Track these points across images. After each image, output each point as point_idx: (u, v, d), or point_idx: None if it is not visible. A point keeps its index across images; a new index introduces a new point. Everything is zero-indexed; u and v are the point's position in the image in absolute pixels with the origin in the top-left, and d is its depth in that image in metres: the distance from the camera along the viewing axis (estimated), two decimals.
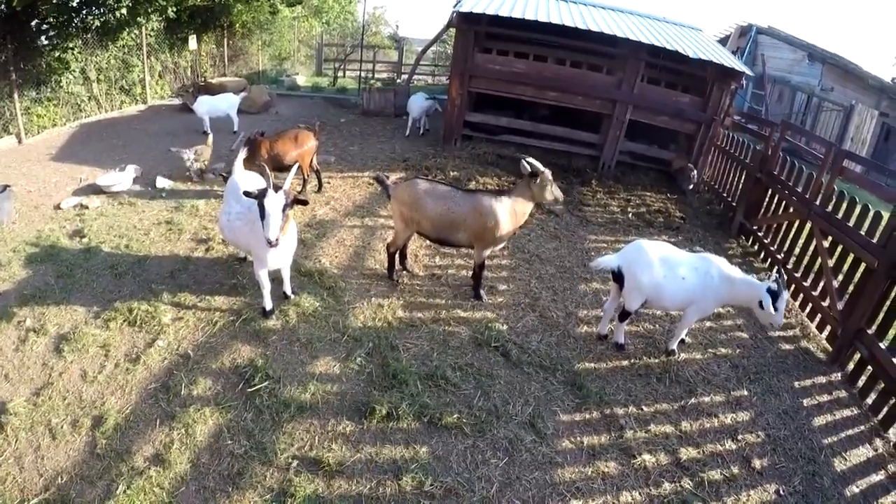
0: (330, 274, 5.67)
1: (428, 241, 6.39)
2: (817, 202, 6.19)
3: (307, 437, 3.72)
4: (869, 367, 4.84)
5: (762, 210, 7.73)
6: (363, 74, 19.25)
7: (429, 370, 4.39)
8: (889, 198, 5.96)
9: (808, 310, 6.04)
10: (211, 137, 8.99)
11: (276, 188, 4.15)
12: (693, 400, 4.50)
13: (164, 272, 5.51)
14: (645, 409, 4.33)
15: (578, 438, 3.97)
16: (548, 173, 4.97)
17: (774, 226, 7.24)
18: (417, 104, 11.84)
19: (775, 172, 7.40)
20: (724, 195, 9.13)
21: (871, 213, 5.38)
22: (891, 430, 4.44)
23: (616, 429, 4.09)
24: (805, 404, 4.66)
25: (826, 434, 4.35)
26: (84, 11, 10.55)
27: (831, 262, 5.70)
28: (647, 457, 3.85)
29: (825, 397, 4.79)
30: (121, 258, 5.68)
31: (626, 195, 9.36)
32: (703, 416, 4.35)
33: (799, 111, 17.55)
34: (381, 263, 5.94)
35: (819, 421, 4.49)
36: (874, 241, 5.11)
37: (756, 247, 7.64)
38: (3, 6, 9.07)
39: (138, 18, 11.27)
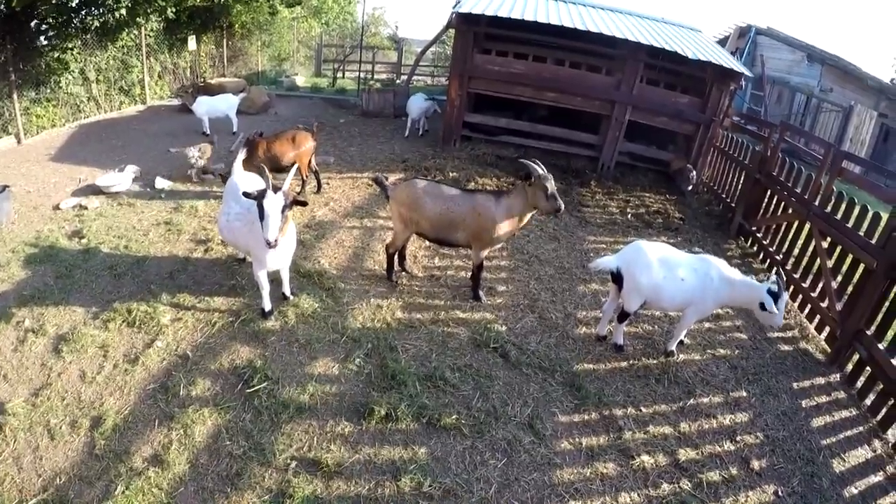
0: (329, 275, 5.66)
1: (427, 243, 6.41)
2: (816, 203, 6.19)
3: (306, 437, 3.72)
4: (868, 368, 4.85)
5: (761, 211, 7.73)
6: (362, 75, 19.26)
7: (427, 371, 4.39)
8: (888, 198, 5.98)
9: (806, 311, 6.04)
10: (215, 137, 9.02)
11: (276, 189, 4.15)
12: (692, 401, 4.50)
13: (163, 273, 5.51)
14: (644, 410, 4.33)
15: (577, 439, 3.97)
16: (543, 178, 4.74)
17: (773, 227, 7.24)
18: (416, 105, 11.85)
19: (774, 173, 7.40)
20: (723, 196, 9.14)
21: (869, 214, 5.39)
22: (889, 431, 4.44)
23: (615, 430, 4.09)
24: (804, 405, 4.67)
25: (825, 435, 4.35)
26: (83, 12, 10.54)
27: (830, 263, 5.70)
28: (645, 458, 3.85)
29: (824, 398, 4.79)
30: (120, 259, 5.68)
31: (625, 196, 9.37)
32: (701, 417, 4.35)
33: (798, 112, 17.57)
34: (380, 264, 5.94)
35: (818, 422, 4.49)
36: (873, 241, 5.12)
37: (755, 248, 7.65)
38: (2, 6, 9.06)
39: (137, 19, 11.26)
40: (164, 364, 4.27)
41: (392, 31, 29.13)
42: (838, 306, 5.38)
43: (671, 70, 10.04)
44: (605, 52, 9.88)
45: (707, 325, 5.60)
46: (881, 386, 4.60)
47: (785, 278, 5.00)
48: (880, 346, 4.72)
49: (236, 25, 16.86)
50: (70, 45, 10.65)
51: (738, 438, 4.17)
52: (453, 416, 3.95)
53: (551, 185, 4.71)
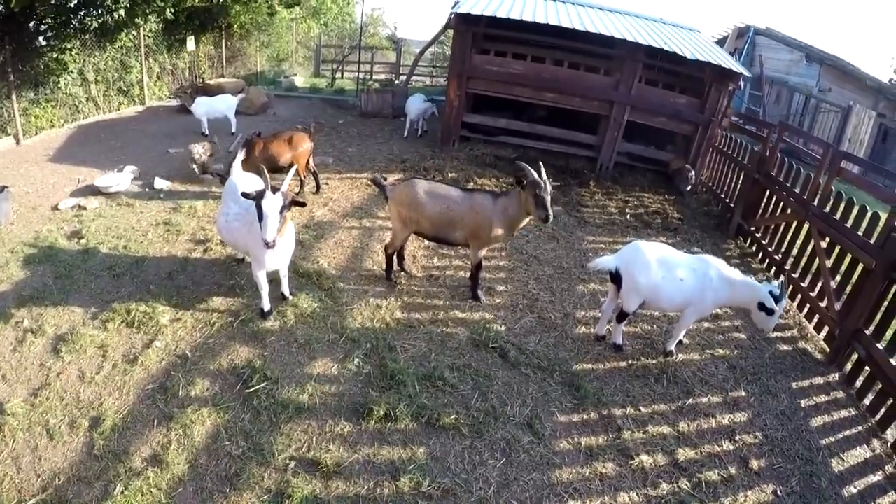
0: (328, 275, 5.66)
1: (426, 243, 6.42)
2: (815, 203, 6.20)
3: (305, 437, 3.72)
4: (866, 368, 4.86)
5: (760, 211, 7.74)
6: (361, 76, 19.26)
7: (427, 371, 4.39)
8: (886, 198, 5.98)
9: (805, 310, 6.05)
10: (215, 138, 9.05)
11: (274, 190, 4.14)
12: (691, 401, 4.51)
13: (162, 273, 5.51)
14: (643, 409, 4.33)
15: (576, 439, 3.97)
16: (534, 183, 4.61)
17: (772, 227, 7.24)
18: (415, 105, 11.85)
19: (773, 173, 7.41)
20: (722, 196, 9.15)
21: (868, 214, 5.39)
22: (888, 431, 4.45)
23: (614, 429, 4.09)
24: (803, 405, 4.67)
25: (824, 435, 4.36)
26: (82, 12, 10.51)
27: (829, 263, 5.71)
28: (644, 457, 3.85)
29: (823, 398, 4.80)
30: (119, 259, 5.68)
31: (624, 196, 9.38)
32: (700, 416, 4.35)
33: (797, 112, 17.58)
34: (379, 265, 5.94)
35: (817, 421, 4.50)
36: (872, 241, 5.12)
37: (754, 248, 7.65)
38: (1, 7, 9.05)
39: (136, 19, 11.24)
40: (163, 364, 4.27)
41: (391, 31, 29.15)
42: (837, 306, 5.38)
43: (670, 70, 10.06)
44: (604, 53, 9.89)
45: (706, 325, 5.61)
46: (880, 385, 4.60)
47: (785, 278, 5.01)
48: (879, 345, 4.72)
49: (235, 26, 16.85)
50: (69, 46, 10.64)
51: (737, 438, 4.17)
52: (452, 416, 3.95)
53: (543, 192, 4.58)
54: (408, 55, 23.55)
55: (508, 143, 10.71)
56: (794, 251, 6.55)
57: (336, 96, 17.19)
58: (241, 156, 5.99)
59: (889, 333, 4.72)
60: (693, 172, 9.48)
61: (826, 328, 5.60)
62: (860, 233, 5.34)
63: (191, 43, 14.41)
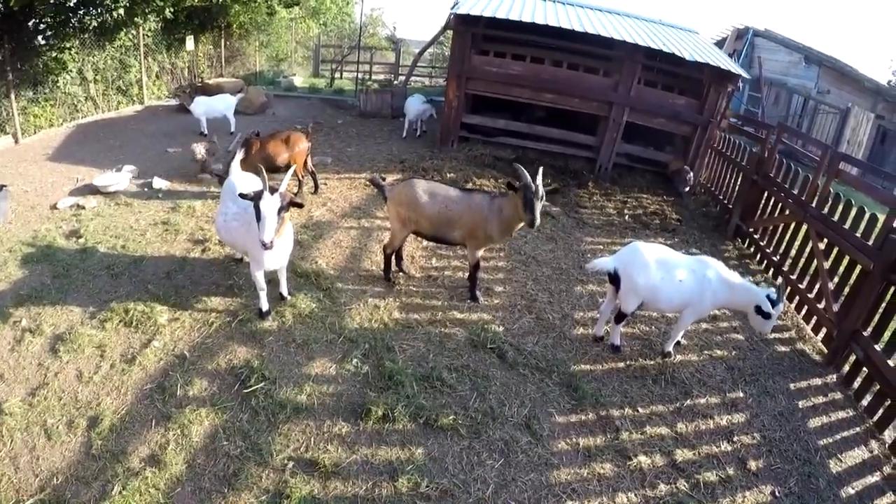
0: (326, 275, 5.66)
1: (424, 243, 6.43)
2: (813, 204, 6.21)
3: (303, 438, 3.72)
4: (864, 369, 4.86)
5: (758, 212, 7.75)
6: (360, 76, 19.25)
7: (425, 372, 4.39)
8: (885, 200, 5.98)
9: (803, 312, 6.05)
10: (214, 137, 9.07)
11: (272, 190, 4.14)
12: (689, 401, 4.51)
13: (160, 273, 5.50)
14: (641, 410, 4.34)
15: (574, 440, 3.97)
16: (525, 187, 4.55)
17: (770, 228, 7.25)
18: (414, 106, 11.85)
19: (771, 175, 7.42)
20: (721, 197, 9.16)
21: (866, 216, 5.40)
22: (886, 432, 4.45)
23: (612, 430, 4.09)
24: (800, 406, 4.68)
25: (821, 436, 4.36)
26: (81, 11, 10.51)
27: (827, 265, 5.72)
28: (642, 458, 3.86)
29: (821, 399, 4.81)
30: (117, 259, 5.67)
31: (623, 197, 9.39)
32: (698, 417, 4.36)
33: (795, 113, 17.61)
34: (378, 265, 5.94)
35: (814, 422, 4.50)
36: (870, 243, 5.13)
37: (752, 249, 7.66)
38: (0, 6, 9.04)
39: (135, 19, 11.24)
40: (161, 364, 4.27)
41: (390, 31, 29.16)
42: (835, 307, 5.39)
43: (668, 71, 10.06)
44: (603, 54, 9.90)
45: (704, 326, 5.61)
46: (878, 387, 4.61)
47: (783, 280, 5.02)
48: (877, 346, 4.73)
49: (234, 26, 16.85)
50: (68, 45, 10.63)
51: (735, 439, 4.18)
52: (450, 417, 3.95)
53: (532, 196, 4.51)
54: (407, 55, 23.53)
55: (507, 144, 10.72)
56: (793, 252, 6.56)
57: (335, 96, 17.19)
58: (239, 155, 5.99)
59: (887, 335, 4.73)
60: (692, 174, 9.49)
61: (824, 329, 5.61)
62: (858, 234, 5.35)
63: (190, 42, 14.41)
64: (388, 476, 3.49)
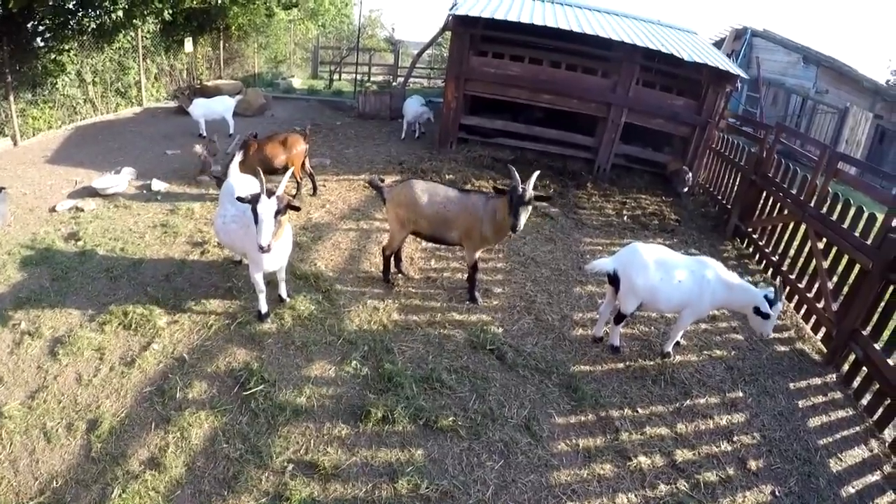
0: (325, 277, 5.66)
1: (423, 244, 6.43)
2: (812, 204, 6.22)
3: (303, 440, 3.72)
4: (864, 368, 4.87)
5: (757, 212, 7.75)
6: (359, 77, 19.25)
7: (424, 373, 4.39)
8: (883, 199, 5.99)
9: (802, 311, 6.06)
10: (215, 137, 9.10)
11: (270, 193, 4.13)
12: (688, 402, 4.51)
13: (159, 275, 5.50)
14: (640, 411, 4.34)
15: (574, 441, 3.97)
16: (512, 190, 4.55)
17: (769, 228, 7.26)
18: (412, 108, 11.84)
19: (770, 175, 7.43)
20: (719, 198, 9.16)
21: (865, 215, 5.40)
22: (886, 431, 4.46)
23: (611, 431, 4.09)
24: (800, 405, 4.68)
25: (821, 435, 4.37)
26: (80, 13, 10.51)
27: (826, 264, 5.73)
28: (642, 459, 3.86)
29: (820, 398, 4.81)
30: (116, 261, 5.67)
31: (622, 198, 9.40)
32: (698, 417, 4.36)
33: (794, 113, 17.62)
34: (377, 266, 5.94)
35: (814, 422, 4.50)
36: (868, 242, 5.14)
37: (751, 249, 7.66)
38: None
39: (134, 21, 11.23)
40: (160, 367, 4.26)
41: (389, 33, 29.20)
42: (834, 307, 5.40)
43: (667, 72, 10.06)
44: (602, 55, 9.90)
45: (703, 326, 5.62)
46: (877, 386, 4.62)
47: (781, 280, 5.02)
48: (876, 346, 4.74)
49: (233, 27, 16.84)
50: (67, 47, 10.63)
51: (735, 439, 4.18)
52: (450, 418, 3.95)
53: (518, 200, 4.51)
54: (405, 57, 23.54)
55: (506, 145, 10.72)
56: (791, 252, 6.57)
57: (334, 98, 17.19)
58: (238, 157, 5.99)
59: (886, 334, 4.75)
60: (690, 174, 9.48)
61: (823, 329, 5.61)
62: (857, 234, 5.35)
63: (189, 44, 14.40)
64: (388, 478, 3.49)
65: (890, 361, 4.51)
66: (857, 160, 11.29)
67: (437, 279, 5.89)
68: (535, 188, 4.64)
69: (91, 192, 7.41)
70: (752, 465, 3.94)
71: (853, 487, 3.92)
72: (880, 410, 4.54)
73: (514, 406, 4.20)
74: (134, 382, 4.09)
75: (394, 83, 19.88)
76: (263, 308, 4.85)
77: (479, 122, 10.82)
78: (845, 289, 5.40)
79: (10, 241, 5.94)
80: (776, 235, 7.03)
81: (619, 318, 4.81)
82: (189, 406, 3.90)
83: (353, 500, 3.34)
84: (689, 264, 4.60)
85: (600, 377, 4.68)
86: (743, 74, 10.03)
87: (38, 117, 10.32)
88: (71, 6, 10.22)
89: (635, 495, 3.60)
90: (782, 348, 5.51)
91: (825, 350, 5.45)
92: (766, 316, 4.39)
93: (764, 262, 7.17)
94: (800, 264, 6.29)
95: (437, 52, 24.84)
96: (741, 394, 4.71)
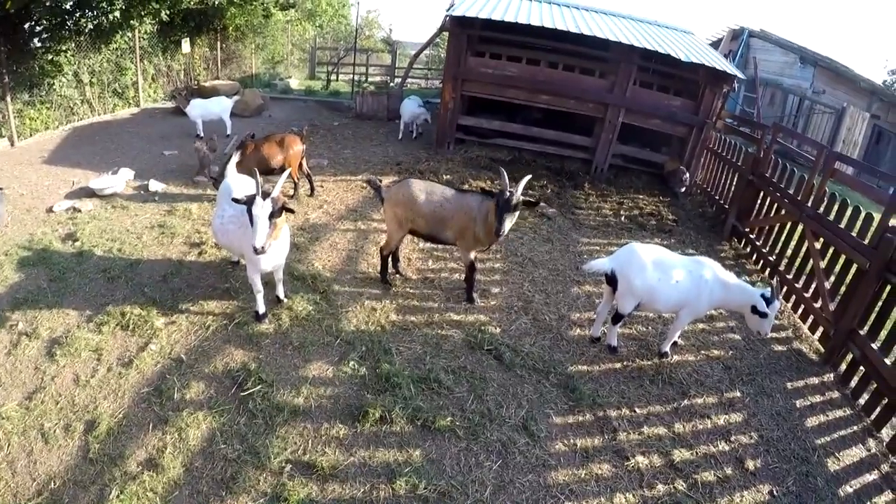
0: (323, 277, 5.66)
1: (421, 244, 6.43)
2: (809, 204, 6.23)
3: (300, 440, 3.71)
4: (861, 368, 4.87)
5: (754, 212, 7.76)
6: (356, 78, 19.26)
7: (422, 373, 4.39)
8: (880, 199, 6.00)
9: (800, 311, 6.07)
10: (214, 136, 9.10)
11: (265, 195, 4.12)
12: (686, 402, 4.52)
13: (156, 276, 5.49)
14: (638, 411, 4.34)
15: (572, 441, 3.98)
16: (500, 194, 4.59)
17: (766, 228, 7.27)
18: (409, 108, 11.84)
19: (767, 175, 7.44)
20: (717, 198, 9.17)
21: (862, 215, 5.42)
22: (883, 430, 4.47)
23: (609, 431, 4.10)
24: (798, 405, 4.69)
25: (819, 434, 4.37)
26: (77, 14, 10.49)
27: (823, 264, 5.74)
28: (640, 458, 3.86)
29: (818, 398, 4.82)
30: (113, 262, 5.66)
31: (619, 198, 9.40)
32: (696, 417, 4.36)
33: (791, 113, 17.67)
34: (374, 267, 5.93)
35: (812, 421, 4.51)
36: (865, 242, 5.15)
37: (748, 249, 7.67)
38: None
39: (131, 21, 11.22)
40: (158, 367, 4.26)
41: (386, 33, 29.17)
42: (831, 306, 5.41)
43: (664, 73, 10.09)
44: (599, 55, 9.91)
45: (701, 325, 5.62)
46: (874, 385, 4.63)
47: (779, 280, 5.03)
48: (873, 345, 4.75)
49: (230, 28, 16.82)
50: (64, 48, 10.62)
51: (733, 438, 4.18)
52: (448, 419, 3.95)
53: (503, 204, 4.55)
54: (403, 57, 23.52)
55: (503, 146, 10.74)
56: (789, 252, 6.58)
57: (331, 98, 17.18)
58: (235, 158, 5.98)
59: (883, 334, 4.76)
60: (687, 174, 9.50)
61: (820, 329, 5.62)
62: (854, 234, 5.37)
63: (186, 45, 14.37)
64: (386, 478, 3.49)
65: (887, 361, 4.52)
66: (854, 160, 11.30)
67: (435, 280, 5.89)
68: (525, 192, 4.67)
69: (88, 193, 7.40)
70: (750, 464, 3.95)
71: (851, 487, 3.93)
72: (878, 410, 4.55)
73: (512, 406, 4.20)
74: (131, 383, 4.08)
75: (391, 84, 19.87)
76: (261, 308, 4.84)
77: (476, 123, 10.82)
78: (842, 288, 5.41)
79: (7, 241, 5.93)
80: (773, 235, 7.04)
81: (617, 318, 4.82)
82: (187, 407, 3.89)
83: (351, 500, 3.34)
84: (686, 264, 4.61)
85: (598, 377, 4.68)
86: (740, 75, 10.07)
87: (35, 118, 10.30)
88: (68, 7, 10.19)
89: (633, 495, 3.60)
90: (780, 348, 5.52)
91: (822, 350, 5.47)
92: (763, 315, 4.40)
93: (761, 261, 7.18)
94: (797, 264, 6.30)
95: (435, 53, 24.84)
96: (739, 393, 4.72)
